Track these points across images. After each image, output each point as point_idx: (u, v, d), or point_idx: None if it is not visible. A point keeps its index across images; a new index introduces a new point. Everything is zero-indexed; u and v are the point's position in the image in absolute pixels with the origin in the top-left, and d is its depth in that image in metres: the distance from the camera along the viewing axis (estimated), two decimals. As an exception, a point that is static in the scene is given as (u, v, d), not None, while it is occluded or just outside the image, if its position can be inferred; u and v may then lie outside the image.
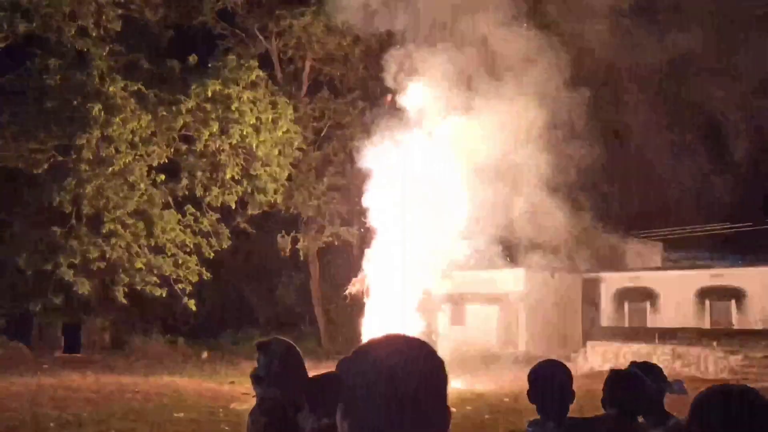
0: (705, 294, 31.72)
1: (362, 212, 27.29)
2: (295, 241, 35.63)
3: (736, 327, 30.39)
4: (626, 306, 34.26)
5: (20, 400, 17.74)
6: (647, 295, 33.43)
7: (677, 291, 32.21)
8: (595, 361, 27.20)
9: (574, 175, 30.57)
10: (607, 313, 34.75)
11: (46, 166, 26.84)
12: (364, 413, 1.41)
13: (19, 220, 29.02)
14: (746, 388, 2.26)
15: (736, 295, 30.93)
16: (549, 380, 3.45)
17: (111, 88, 27.08)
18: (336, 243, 35.97)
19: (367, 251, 25.50)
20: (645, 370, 3.81)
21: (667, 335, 28.90)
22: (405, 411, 1.39)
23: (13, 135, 26.83)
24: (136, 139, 28.04)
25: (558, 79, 29.18)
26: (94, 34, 27.92)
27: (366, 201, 25.52)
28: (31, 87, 27.74)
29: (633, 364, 3.84)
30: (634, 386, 3.89)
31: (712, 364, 24.25)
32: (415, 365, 1.43)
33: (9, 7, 26.37)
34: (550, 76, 28.41)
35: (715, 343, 25.34)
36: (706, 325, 31.21)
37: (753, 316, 30.19)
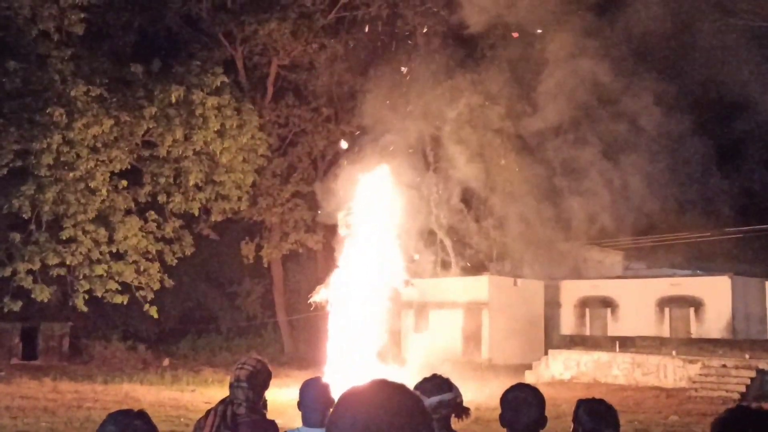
0: (664, 303, 32.18)
1: (327, 220, 27.29)
2: (258, 248, 35.46)
3: (694, 335, 30.86)
4: (587, 314, 34.63)
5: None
6: (608, 303, 33.83)
7: (637, 299, 32.63)
8: (557, 369, 27.43)
9: (538, 185, 30.95)
10: (568, 321, 35.10)
11: (5, 170, 26.33)
12: None
13: (-23, 225, 28.46)
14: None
15: (695, 303, 31.43)
16: (522, 405, 3.42)
17: (73, 92, 26.70)
18: (300, 250, 35.86)
19: (334, 257, 25.48)
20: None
21: (627, 343, 29.25)
22: None
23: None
24: (98, 144, 27.66)
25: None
26: (56, 38, 27.54)
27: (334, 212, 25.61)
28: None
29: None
30: (608, 416, 3.84)
31: (671, 373, 24.58)
32: (403, 424, 1.40)
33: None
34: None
35: (674, 352, 25.68)
36: (666, 333, 31.66)
37: (710, 325, 30.71)
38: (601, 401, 3.82)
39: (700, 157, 32.58)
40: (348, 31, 35.69)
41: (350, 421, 1.41)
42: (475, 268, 32.77)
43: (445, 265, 33.10)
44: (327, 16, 34.70)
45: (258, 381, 4.24)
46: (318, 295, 24.45)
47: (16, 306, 26.84)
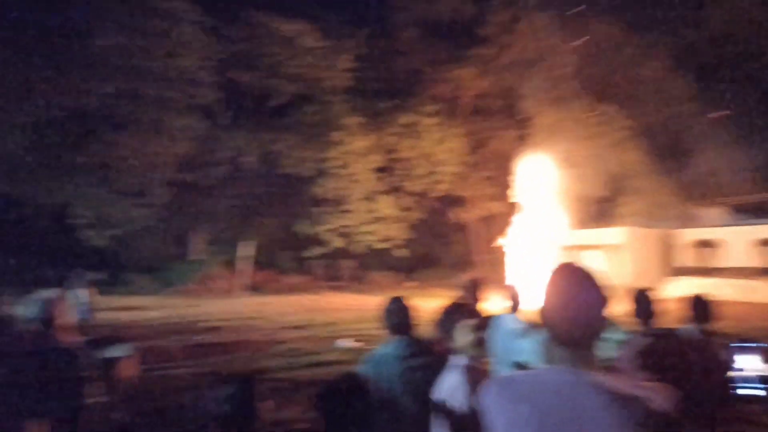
0: (765, 243, 27.79)
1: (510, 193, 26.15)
2: (460, 214, 35.24)
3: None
4: (699, 254, 30.84)
5: (299, 308, 19.12)
6: (714, 244, 29.87)
7: (740, 240, 28.48)
8: (680, 290, 24.84)
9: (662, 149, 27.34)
10: (684, 260, 31.48)
11: (314, 170, 28.18)
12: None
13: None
14: None
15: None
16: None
17: (346, 122, 28.42)
18: (488, 215, 35.11)
19: (512, 219, 24.73)
20: None
21: (736, 272, 25.64)
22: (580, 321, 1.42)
23: (290, 145, 27.80)
24: (362, 152, 29.17)
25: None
26: (334, 89, 29.24)
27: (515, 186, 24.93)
28: (293, 120, 29.11)
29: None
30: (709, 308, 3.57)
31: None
32: (591, 286, 1.45)
33: (283, 75, 28.30)
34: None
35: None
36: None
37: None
38: (701, 296, 3.59)
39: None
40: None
41: (563, 294, 1.44)
42: (612, 220, 30.38)
43: (594, 219, 31.04)
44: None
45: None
46: (500, 241, 24.07)
47: (321, 250, 29.15)
